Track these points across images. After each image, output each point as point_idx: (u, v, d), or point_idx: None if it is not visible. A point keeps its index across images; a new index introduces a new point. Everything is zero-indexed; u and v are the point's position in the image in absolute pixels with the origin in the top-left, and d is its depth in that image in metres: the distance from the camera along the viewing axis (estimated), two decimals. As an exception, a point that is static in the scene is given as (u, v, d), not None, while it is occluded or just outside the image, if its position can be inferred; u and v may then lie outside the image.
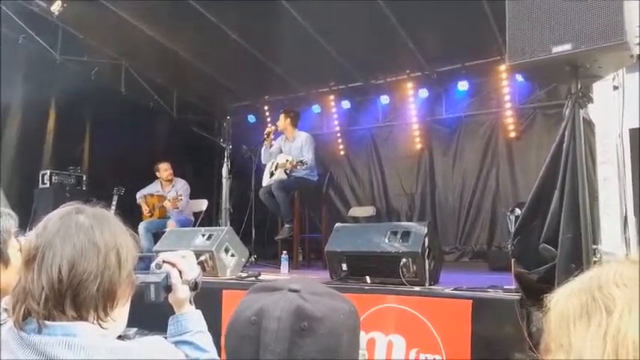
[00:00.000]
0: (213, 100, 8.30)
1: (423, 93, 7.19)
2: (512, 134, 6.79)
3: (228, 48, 6.31)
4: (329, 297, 0.92)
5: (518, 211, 4.64)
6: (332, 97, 7.88)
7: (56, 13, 5.61)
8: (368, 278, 3.44)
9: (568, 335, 0.69)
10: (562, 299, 0.74)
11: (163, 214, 6.36)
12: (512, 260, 2.71)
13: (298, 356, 0.84)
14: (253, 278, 4.07)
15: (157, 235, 5.72)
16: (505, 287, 2.91)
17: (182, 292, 1.38)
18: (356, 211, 7.53)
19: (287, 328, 0.85)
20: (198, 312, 1.43)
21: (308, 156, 5.66)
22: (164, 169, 6.53)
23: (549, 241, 2.51)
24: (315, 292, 0.91)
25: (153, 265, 1.38)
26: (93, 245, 1.09)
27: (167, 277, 1.36)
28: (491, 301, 2.81)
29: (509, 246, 2.81)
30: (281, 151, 6.03)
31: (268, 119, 8.12)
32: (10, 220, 1.60)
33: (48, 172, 6.11)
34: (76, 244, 1.08)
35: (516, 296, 2.76)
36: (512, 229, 2.82)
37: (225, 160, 5.77)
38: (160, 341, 1.16)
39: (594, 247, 2.46)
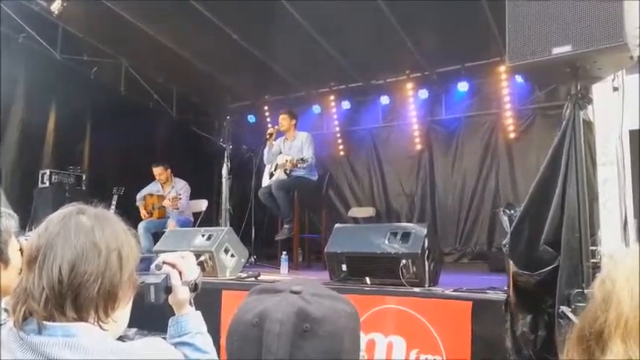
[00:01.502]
0: (213, 100, 8.29)
1: (423, 94, 7.19)
2: (512, 135, 6.80)
3: (229, 48, 6.31)
4: (330, 299, 0.92)
5: (507, 212, 4.65)
6: (332, 97, 7.87)
7: (56, 12, 5.60)
8: (368, 279, 3.44)
9: None
10: None
11: (163, 215, 6.35)
12: (511, 262, 2.70)
13: (300, 358, 0.84)
14: (253, 279, 4.08)
15: (156, 235, 5.72)
16: (505, 289, 2.91)
17: (182, 293, 1.38)
18: (356, 212, 7.53)
19: (289, 330, 0.85)
20: (198, 313, 1.43)
21: (308, 154, 5.67)
22: (158, 174, 6.46)
23: (550, 243, 2.50)
24: (317, 293, 0.91)
25: (153, 266, 1.38)
26: (94, 246, 1.09)
27: (167, 278, 1.36)
28: (491, 302, 2.82)
29: (503, 246, 2.81)
30: (281, 152, 6.03)
31: (268, 119, 8.13)
32: (11, 221, 1.59)
33: (47, 171, 6.10)
34: (77, 246, 1.07)
35: (502, 296, 2.76)
36: (508, 229, 2.81)
37: (225, 160, 5.76)
38: (160, 342, 1.16)
39: (593, 248, 2.46)
